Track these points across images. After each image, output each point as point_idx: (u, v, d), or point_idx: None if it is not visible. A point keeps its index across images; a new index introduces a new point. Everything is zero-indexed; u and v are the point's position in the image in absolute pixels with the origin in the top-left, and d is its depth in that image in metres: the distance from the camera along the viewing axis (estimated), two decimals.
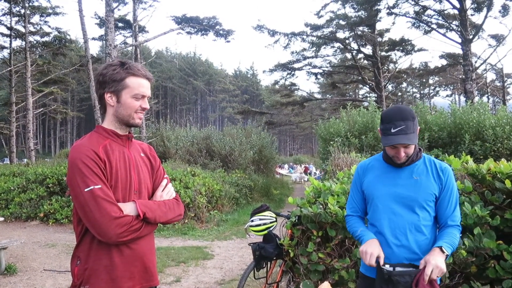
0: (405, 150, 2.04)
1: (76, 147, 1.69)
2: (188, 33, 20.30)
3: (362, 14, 25.28)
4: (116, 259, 1.68)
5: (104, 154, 1.71)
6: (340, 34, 27.22)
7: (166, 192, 1.92)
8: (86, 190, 1.58)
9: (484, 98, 32.24)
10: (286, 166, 35.86)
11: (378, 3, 23.96)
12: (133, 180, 1.78)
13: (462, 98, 37.95)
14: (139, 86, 1.78)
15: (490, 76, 38.88)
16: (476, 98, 19.18)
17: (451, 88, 48.81)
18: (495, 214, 2.98)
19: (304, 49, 28.08)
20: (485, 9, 20.78)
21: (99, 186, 1.60)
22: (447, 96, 52.59)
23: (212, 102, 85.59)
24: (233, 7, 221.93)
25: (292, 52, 28.51)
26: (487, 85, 31.78)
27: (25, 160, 22.04)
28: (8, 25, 24.51)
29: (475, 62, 21.86)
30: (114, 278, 1.68)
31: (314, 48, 27.86)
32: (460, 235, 2.07)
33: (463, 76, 21.37)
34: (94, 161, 1.64)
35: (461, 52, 21.23)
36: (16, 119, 24.23)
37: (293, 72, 29.73)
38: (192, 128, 19.81)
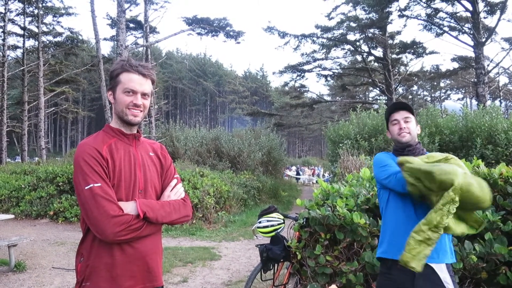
0: (406, 123, 2.34)
1: (80, 146, 1.71)
2: (199, 34, 20.38)
3: (373, 16, 25.14)
4: (118, 257, 1.67)
5: (108, 153, 1.71)
6: (351, 36, 27.12)
7: (175, 192, 1.89)
8: (86, 188, 1.59)
9: (497, 102, 31.82)
10: (293, 168, 35.73)
11: (390, 5, 23.80)
12: (138, 179, 1.77)
13: (474, 102, 37.60)
14: (129, 81, 1.75)
15: (503, 79, 38.48)
16: (488, 102, 18.95)
17: (463, 91, 48.30)
18: (507, 219, 2.94)
19: (314, 51, 28.00)
20: (498, 12, 20.52)
21: (99, 184, 1.60)
22: (458, 99, 52.03)
23: (221, 103, 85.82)
24: (244, 8, 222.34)
25: (302, 54, 28.46)
26: (500, 88, 31.38)
27: (36, 158, 22.31)
28: (22, 25, 24.86)
29: (488, 65, 21.60)
30: (114, 276, 1.67)
31: (324, 50, 27.77)
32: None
33: (475, 80, 21.12)
34: (95, 159, 1.65)
35: (473, 55, 21.00)
36: (28, 118, 24.52)
37: (303, 74, 29.65)
38: (201, 128, 19.86)
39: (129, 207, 1.66)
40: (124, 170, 1.73)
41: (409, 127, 2.33)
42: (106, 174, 1.66)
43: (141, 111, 1.79)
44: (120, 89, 1.76)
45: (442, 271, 2.06)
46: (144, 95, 1.79)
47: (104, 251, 1.67)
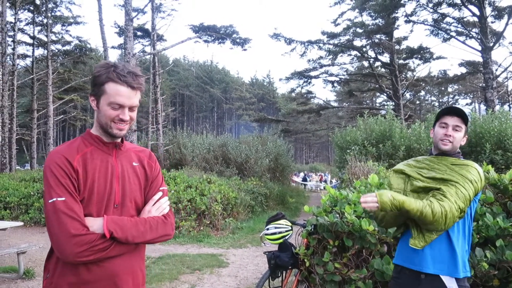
0: (454, 131, 2.20)
1: (50, 154, 1.56)
2: (205, 41, 20.53)
3: (379, 22, 25.15)
4: (83, 276, 1.52)
5: (80, 163, 1.56)
6: (357, 42, 27.16)
7: (157, 207, 1.70)
8: (49, 201, 1.47)
9: (506, 107, 31.55)
10: (301, 174, 35.64)
11: (396, 11, 23.81)
12: (114, 193, 1.60)
13: (483, 107, 37.26)
14: (116, 94, 1.56)
15: None
16: (497, 107, 18.79)
17: (471, 96, 47.94)
18: None
19: (321, 57, 28.04)
20: (506, 16, 20.44)
21: (63, 198, 1.46)
22: (466, 104, 51.64)
23: (228, 109, 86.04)
24: (250, 15, 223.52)
25: (309, 60, 28.53)
26: (509, 93, 31.10)
27: None
28: (31, 34, 25.27)
29: (496, 70, 21.45)
30: None
31: (331, 56, 27.81)
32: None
33: (483, 84, 20.99)
34: (63, 170, 1.50)
35: (481, 60, 20.89)
36: (37, 126, 24.84)
37: (309, 80, 29.67)
38: (208, 135, 19.91)
39: (96, 225, 1.51)
40: (98, 182, 1.57)
41: (455, 136, 2.20)
42: (75, 187, 1.51)
43: (127, 123, 1.63)
44: (105, 101, 1.57)
45: (449, 282, 2.05)
46: (131, 107, 1.62)
47: (68, 269, 1.53)
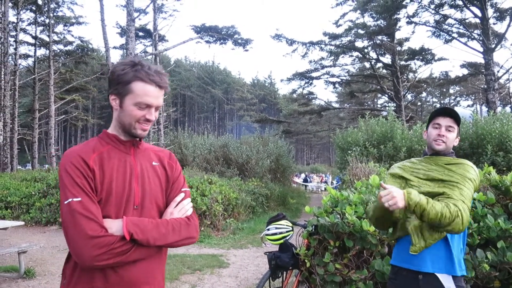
0: (447, 131, 2.21)
1: (65, 154, 1.49)
2: (207, 42, 20.59)
3: (381, 23, 25.17)
4: (98, 284, 1.43)
5: (97, 163, 1.48)
6: (359, 43, 27.20)
7: (179, 209, 1.62)
8: (65, 202, 1.39)
9: (507, 108, 31.49)
10: (302, 175, 35.64)
11: (398, 12, 23.81)
12: (133, 193, 1.52)
13: (484, 108, 37.24)
14: (145, 94, 1.50)
15: None
16: (499, 108, 18.78)
17: (473, 98, 47.88)
18: None
19: (322, 58, 28.08)
20: (508, 18, 20.42)
21: (79, 199, 1.38)
22: (468, 106, 51.57)
23: (229, 110, 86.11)
24: (252, 16, 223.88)
25: (310, 61, 28.61)
26: (510, 95, 31.06)
27: (46, 166, 22.53)
28: (33, 35, 25.36)
29: (498, 71, 21.46)
30: None
31: (332, 57, 27.82)
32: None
33: (485, 86, 20.99)
34: (79, 170, 1.43)
35: (483, 61, 20.89)
36: (38, 126, 24.89)
37: (311, 81, 29.69)
38: (209, 136, 19.92)
39: (115, 226, 1.42)
40: (116, 182, 1.49)
41: (448, 136, 2.22)
42: (91, 187, 1.43)
43: (151, 123, 1.59)
44: (131, 100, 1.51)
45: (447, 281, 2.05)
46: (157, 107, 1.57)
47: (84, 275, 1.44)
